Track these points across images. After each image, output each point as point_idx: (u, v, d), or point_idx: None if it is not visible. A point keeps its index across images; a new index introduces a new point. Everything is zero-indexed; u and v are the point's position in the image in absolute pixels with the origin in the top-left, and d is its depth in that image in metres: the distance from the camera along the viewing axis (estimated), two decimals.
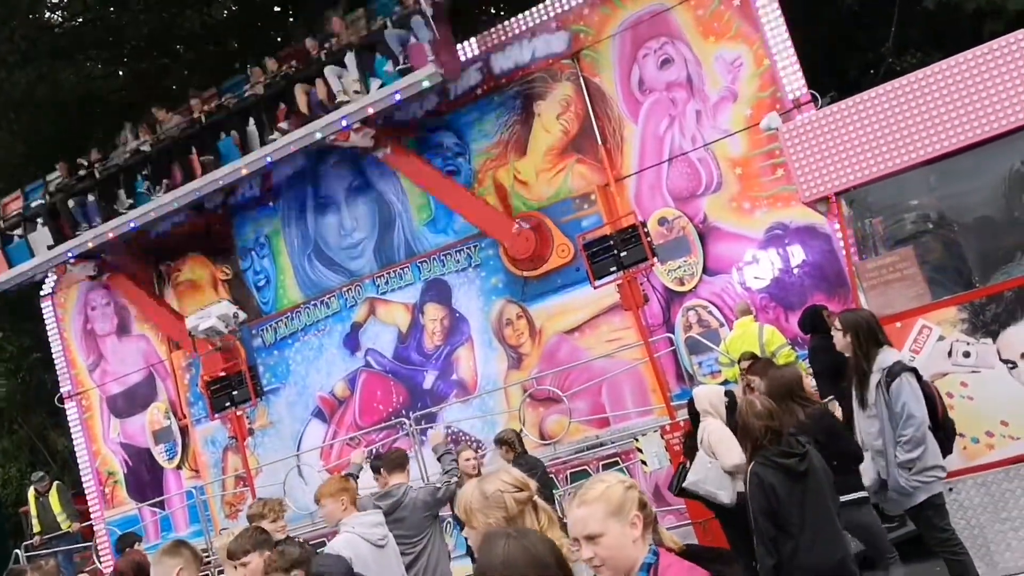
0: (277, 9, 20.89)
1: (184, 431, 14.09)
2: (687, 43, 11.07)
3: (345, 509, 5.71)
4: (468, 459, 7.67)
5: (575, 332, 11.59)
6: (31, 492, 13.84)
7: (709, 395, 7.31)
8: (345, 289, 13.06)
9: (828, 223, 9.75)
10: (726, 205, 10.88)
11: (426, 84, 10.90)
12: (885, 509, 5.88)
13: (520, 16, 11.93)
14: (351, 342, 13.04)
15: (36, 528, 13.53)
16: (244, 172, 12.04)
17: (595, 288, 9.66)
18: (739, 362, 8.53)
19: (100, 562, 12.74)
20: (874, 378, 5.50)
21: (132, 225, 12.86)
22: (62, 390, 15.16)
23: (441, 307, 12.47)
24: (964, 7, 12.24)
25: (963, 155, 6.56)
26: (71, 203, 13.16)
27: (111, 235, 12.99)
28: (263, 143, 11.87)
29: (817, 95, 10.23)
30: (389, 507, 6.31)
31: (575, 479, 9.96)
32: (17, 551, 12.73)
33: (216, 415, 10.90)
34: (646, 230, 9.33)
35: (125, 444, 14.66)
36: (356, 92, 11.25)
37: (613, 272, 9.26)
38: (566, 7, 11.65)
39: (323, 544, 10.45)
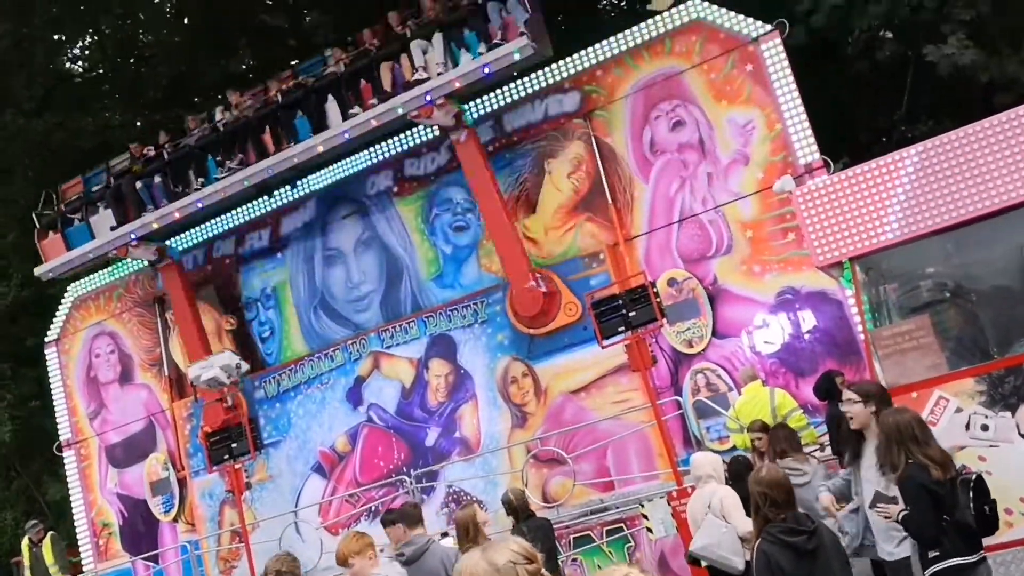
0: (293, 62, 21.15)
1: (182, 483, 13.86)
2: (699, 106, 11.10)
3: (373, 563, 5.71)
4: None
5: (581, 392, 11.42)
6: (25, 541, 13.60)
7: (712, 461, 7.19)
8: (350, 342, 12.94)
9: (840, 289, 9.64)
10: (736, 268, 10.80)
11: (517, 56, 10.60)
12: None
13: (533, 75, 12.01)
14: (354, 396, 12.88)
15: None
16: (320, 149, 11.48)
17: (603, 348, 9.51)
18: (748, 430, 8.34)
19: None
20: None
21: (199, 205, 12.34)
22: (61, 438, 14.98)
23: (446, 363, 12.32)
24: (977, 77, 12.28)
25: (980, 224, 6.47)
26: (138, 185, 12.65)
27: (177, 215, 12.51)
28: (347, 116, 11.36)
29: (829, 160, 10.21)
30: (414, 553, 6.20)
31: (578, 544, 9.71)
32: None
33: (214, 468, 10.71)
34: (655, 290, 9.22)
35: (122, 495, 14.42)
36: (440, 73, 10.95)
37: (621, 332, 9.12)
38: (579, 67, 11.72)
39: None
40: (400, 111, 11.10)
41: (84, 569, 14.22)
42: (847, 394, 5.61)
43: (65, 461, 14.97)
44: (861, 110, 14.66)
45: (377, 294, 13.05)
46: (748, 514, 6.69)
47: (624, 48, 11.47)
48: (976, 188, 6.36)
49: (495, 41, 10.73)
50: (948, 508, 4.71)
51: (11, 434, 18.75)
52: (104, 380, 14.75)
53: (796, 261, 10.30)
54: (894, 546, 5.32)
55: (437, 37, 11.05)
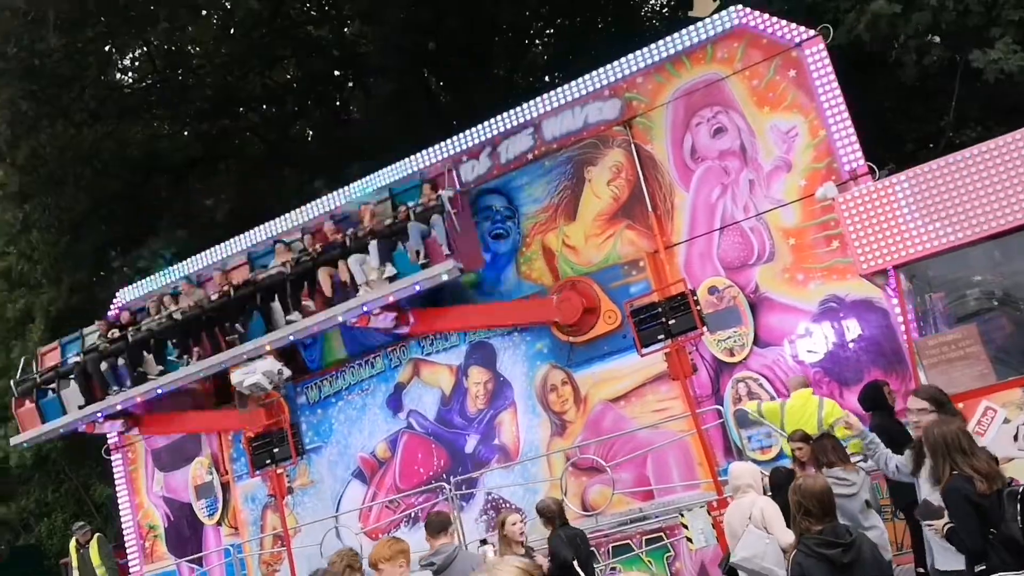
0: (337, 73, 21.42)
1: (226, 487, 14.05)
2: (741, 112, 11.01)
3: (403, 570, 5.70)
4: (515, 523, 7.45)
5: (621, 400, 11.36)
6: (72, 543, 13.89)
7: (751, 471, 7.13)
8: (390, 349, 13.02)
9: (885, 297, 9.49)
10: (779, 276, 10.67)
11: (445, 278, 11.09)
12: None
13: (574, 83, 12.01)
14: (394, 403, 12.95)
15: None
16: (267, 348, 12.21)
17: (642, 356, 9.46)
18: (789, 439, 8.23)
19: None
20: None
21: (159, 391, 12.93)
22: (109, 441, 15.26)
23: (485, 370, 12.34)
24: None
25: None
26: (103, 366, 13.27)
27: (139, 399, 13.01)
28: (287, 320, 12.12)
29: (874, 167, 10.06)
30: (445, 561, 6.18)
31: (616, 553, 9.65)
32: None
33: (256, 472, 10.83)
34: (696, 298, 9.14)
35: (167, 498, 14.66)
36: (374, 280, 11.53)
37: (661, 340, 9.06)
38: (620, 75, 11.69)
39: None
40: (340, 319, 11.72)
41: (131, 571, 14.47)
42: (915, 402, 5.49)
43: (113, 464, 15.25)
44: (908, 117, 14.43)
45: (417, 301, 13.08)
46: (788, 525, 6.63)
47: (665, 55, 11.42)
48: (1022, 195, 6.22)
49: (422, 260, 11.29)
50: (994, 521, 4.60)
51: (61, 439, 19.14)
52: None
53: (840, 269, 10.15)
54: (947, 561, 5.18)
55: (373, 246, 11.60)
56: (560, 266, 12.03)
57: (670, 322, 8.98)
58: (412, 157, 13.07)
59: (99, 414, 13.27)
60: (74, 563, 13.61)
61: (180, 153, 20.43)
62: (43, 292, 20.06)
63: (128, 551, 14.77)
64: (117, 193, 19.75)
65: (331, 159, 19.68)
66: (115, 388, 13.10)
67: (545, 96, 12.23)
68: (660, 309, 9.06)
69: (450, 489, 11.14)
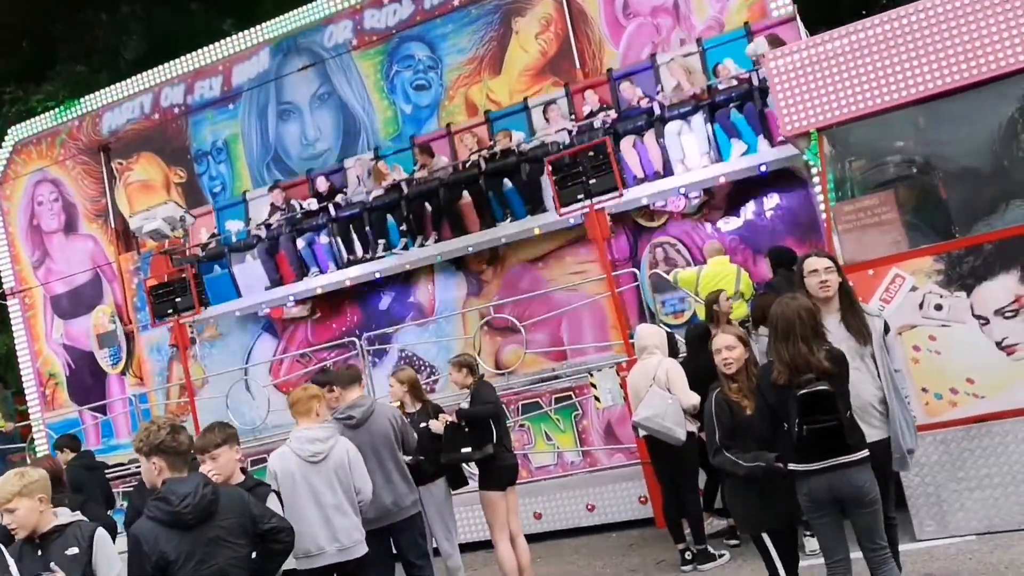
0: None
1: (130, 337, 13.64)
2: None
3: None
4: (393, 385, 7.24)
5: (538, 262, 11.23)
6: None
7: (657, 333, 7.11)
8: None
9: (804, 167, 9.40)
10: None
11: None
12: None
13: None
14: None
15: None
16: (537, 231, 10.33)
17: (560, 216, 9.27)
18: (706, 300, 8.20)
19: None
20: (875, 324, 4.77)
21: (377, 275, 11.22)
22: (5, 287, 14.61)
23: None
24: None
25: (955, 97, 6.19)
26: (300, 243, 11.38)
27: (348, 283, 11.36)
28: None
29: (806, 30, 9.80)
30: (363, 414, 6.07)
31: (526, 411, 9.72)
32: None
33: (157, 322, 10.45)
34: (618, 156, 8.89)
35: (68, 346, 14.20)
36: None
37: (580, 200, 8.86)
38: None
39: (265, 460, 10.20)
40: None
41: (31, 418, 14.14)
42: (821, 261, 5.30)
43: (10, 310, 14.64)
44: None
45: (333, 153, 12.58)
46: (692, 387, 6.68)
47: None
48: (952, 59, 6.05)
49: None
50: (783, 417, 4.44)
51: None
52: (48, 229, 14.27)
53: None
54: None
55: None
56: None
57: (591, 181, 8.75)
58: None
59: (291, 297, 11.72)
60: None
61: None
62: None
63: (28, 398, 14.38)
64: (9, 24, 18.25)
65: None
66: (315, 270, 11.33)
67: None
68: (581, 168, 8.81)
69: (361, 345, 11.00)
